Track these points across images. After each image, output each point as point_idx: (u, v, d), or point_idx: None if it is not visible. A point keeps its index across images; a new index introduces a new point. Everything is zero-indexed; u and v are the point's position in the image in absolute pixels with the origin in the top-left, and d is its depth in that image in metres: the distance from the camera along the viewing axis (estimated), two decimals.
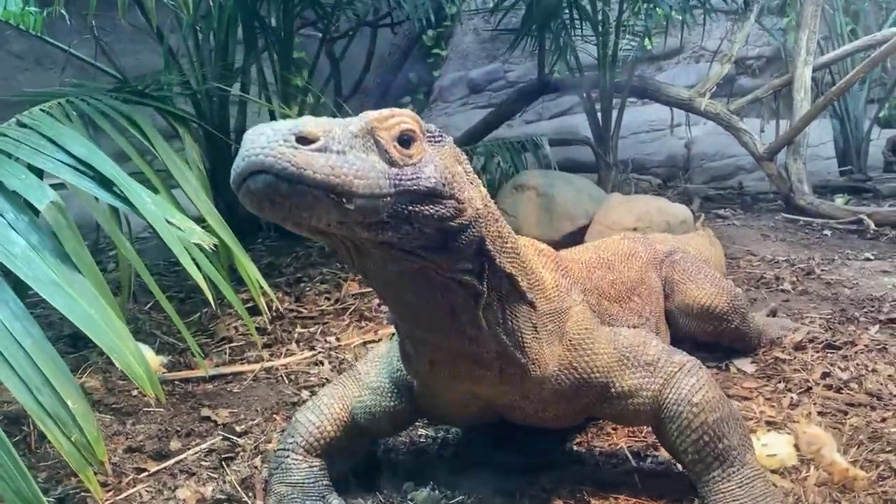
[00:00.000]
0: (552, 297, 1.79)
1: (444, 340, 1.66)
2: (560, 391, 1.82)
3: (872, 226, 4.98)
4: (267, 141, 1.23)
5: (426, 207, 1.38)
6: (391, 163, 1.36)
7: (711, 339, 2.77)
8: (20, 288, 2.17)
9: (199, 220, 2.82)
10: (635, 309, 2.48)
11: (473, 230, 1.50)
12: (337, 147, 1.28)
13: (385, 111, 1.40)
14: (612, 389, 1.83)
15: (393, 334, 3.27)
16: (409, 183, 1.36)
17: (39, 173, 2.46)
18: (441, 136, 1.51)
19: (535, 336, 1.73)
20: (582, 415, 2.03)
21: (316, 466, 2.01)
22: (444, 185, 1.40)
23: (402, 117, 1.40)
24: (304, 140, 1.25)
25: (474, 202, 1.50)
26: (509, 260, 1.65)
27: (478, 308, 1.59)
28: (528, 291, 1.71)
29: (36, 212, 2.30)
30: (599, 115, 6.62)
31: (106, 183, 2.45)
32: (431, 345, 1.70)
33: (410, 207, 1.36)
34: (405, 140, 1.39)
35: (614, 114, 6.58)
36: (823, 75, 6.96)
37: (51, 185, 2.30)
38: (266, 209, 1.27)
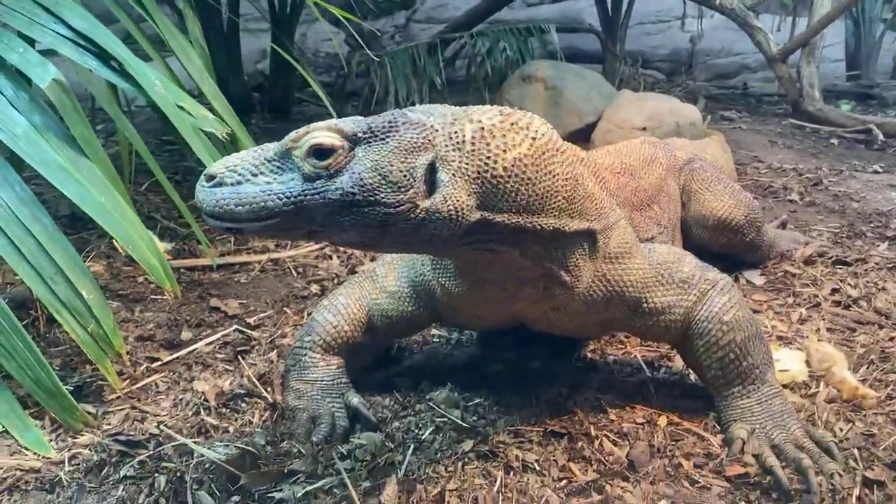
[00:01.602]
0: (601, 215, 1.73)
1: (492, 273, 1.67)
2: (591, 302, 1.79)
3: (881, 136, 4.93)
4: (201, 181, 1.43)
5: (347, 217, 1.39)
6: (306, 178, 1.39)
7: (724, 250, 2.76)
8: (17, 167, 2.06)
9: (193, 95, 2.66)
10: (654, 217, 2.44)
11: (437, 224, 1.40)
12: (233, 179, 1.39)
13: (302, 129, 1.42)
14: (645, 305, 1.82)
15: None
16: (315, 197, 1.37)
17: (32, 44, 2.28)
18: (390, 128, 1.40)
19: (583, 254, 1.70)
20: (607, 329, 2.03)
21: (334, 365, 2.00)
22: (355, 193, 1.37)
23: (314, 132, 1.40)
24: (211, 178, 1.40)
25: (437, 200, 1.39)
26: (574, 214, 1.62)
27: (522, 256, 1.57)
28: (581, 220, 1.65)
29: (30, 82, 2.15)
30: (609, 2, 6.32)
31: (106, 58, 2.28)
32: (479, 274, 1.70)
33: (334, 217, 1.39)
34: (321, 153, 1.38)
35: (624, 2, 6.29)
36: None
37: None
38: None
